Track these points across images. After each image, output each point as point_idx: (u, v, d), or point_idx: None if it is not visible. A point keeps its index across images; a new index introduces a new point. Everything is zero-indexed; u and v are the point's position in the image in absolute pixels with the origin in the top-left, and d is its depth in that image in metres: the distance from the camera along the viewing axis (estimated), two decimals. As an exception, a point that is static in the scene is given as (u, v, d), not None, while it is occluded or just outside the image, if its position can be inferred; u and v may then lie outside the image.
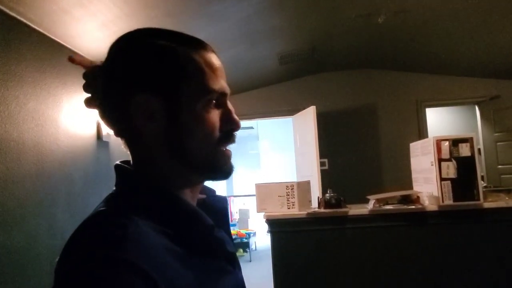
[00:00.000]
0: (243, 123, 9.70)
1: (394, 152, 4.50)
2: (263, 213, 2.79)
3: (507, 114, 4.20)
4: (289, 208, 2.76)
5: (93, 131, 2.90)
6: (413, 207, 2.51)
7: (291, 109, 4.71)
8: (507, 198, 2.53)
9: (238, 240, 7.16)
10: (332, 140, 4.46)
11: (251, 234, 7.51)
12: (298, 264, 2.60)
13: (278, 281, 2.61)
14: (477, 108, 4.57)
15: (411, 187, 3.42)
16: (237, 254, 7.27)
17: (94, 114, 2.84)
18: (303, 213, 2.65)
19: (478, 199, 2.44)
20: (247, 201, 11.14)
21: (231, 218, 10.06)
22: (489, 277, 2.40)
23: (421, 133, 4.47)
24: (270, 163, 10.49)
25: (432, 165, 2.56)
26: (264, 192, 2.87)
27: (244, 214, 9.61)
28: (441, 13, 3.05)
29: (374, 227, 2.56)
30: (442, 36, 3.54)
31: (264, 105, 4.82)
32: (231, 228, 7.31)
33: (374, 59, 4.26)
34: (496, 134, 4.30)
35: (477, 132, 4.53)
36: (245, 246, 7.20)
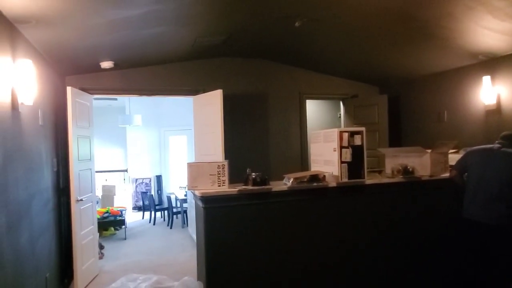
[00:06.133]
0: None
1: (280, 136, 5.20)
2: (196, 191, 2.99)
3: (362, 110, 5.40)
4: (219, 186, 3.03)
5: (8, 100, 2.47)
6: (321, 184, 3.15)
7: (191, 89, 4.84)
8: (380, 176, 3.44)
9: (112, 218, 6.82)
10: (229, 123, 4.83)
11: (123, 212, 7.27)
12: (230, 235, 2.93)
13: (211, 251, 2.88)
14: (341, 103, 5.68)
15: (306, 166, 4.14)
16: (108, 232, 6.97)
17: (8, 79, 2.44)
18: (233, 190, 2.98)
19: (364, 177, 3.25)
20: (110, 177, 10.53)
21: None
22: (368, 232, 3.28)
23: (302, 120, 5.28)
24: (137, 139, 10.13)
25: (334, 150, 3.24)
26: (196, 170, 3.05)
27: (108, 190, 9.08)
28: (331, 30, 3.86)
29: (292, 200, 3.11)
30: (327, 45, 4.35)
31: (164, 82, 4.80)
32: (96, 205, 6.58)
33: (273, 52, 4.79)
34: (355, 125, 5.47)
35: (341, 123, 5.63)
36: (120, 223, 6.94)
